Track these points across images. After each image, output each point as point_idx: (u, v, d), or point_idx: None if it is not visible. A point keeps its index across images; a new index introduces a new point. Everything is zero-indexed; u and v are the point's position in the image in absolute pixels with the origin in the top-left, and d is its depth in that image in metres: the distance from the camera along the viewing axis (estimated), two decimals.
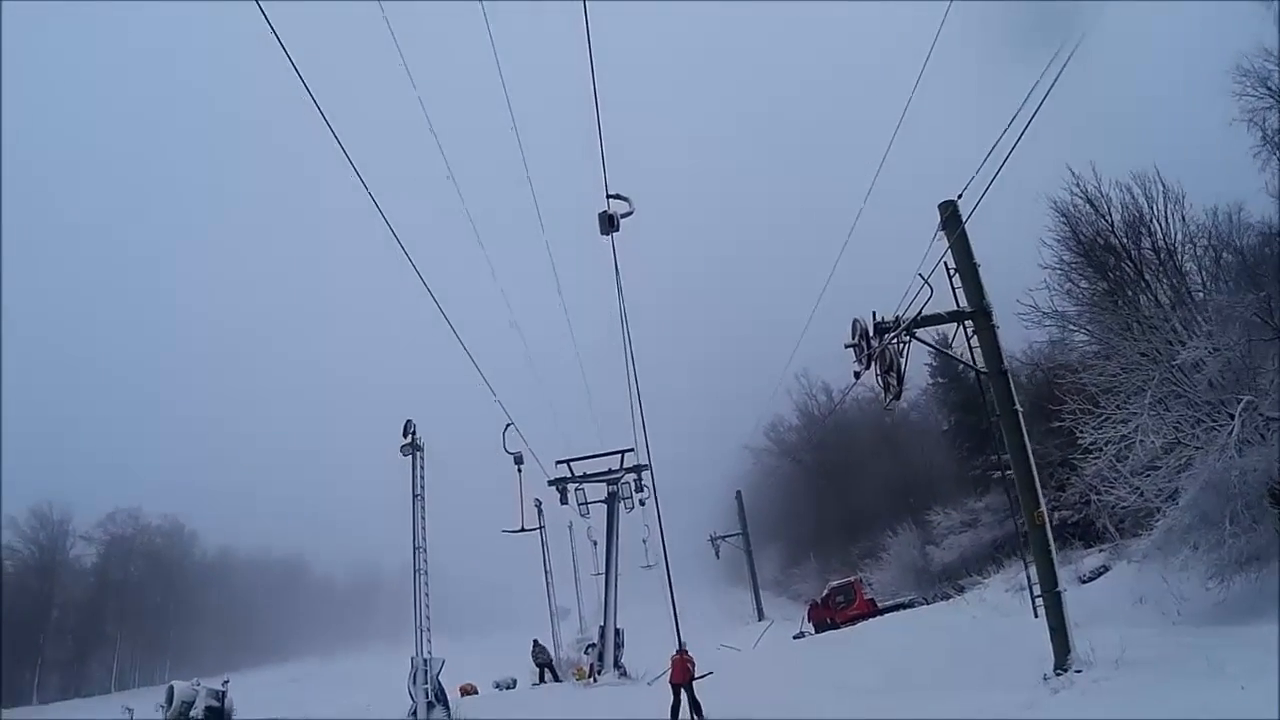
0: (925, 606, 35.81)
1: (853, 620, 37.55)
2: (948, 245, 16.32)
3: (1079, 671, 14.65)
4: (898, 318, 16.15)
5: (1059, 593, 15.48)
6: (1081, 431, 20.50)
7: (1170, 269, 21.85)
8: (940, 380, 44.91)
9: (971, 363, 16.66)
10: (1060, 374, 24.65)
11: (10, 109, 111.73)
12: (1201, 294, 21.19)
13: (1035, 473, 16.06)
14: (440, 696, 23.51)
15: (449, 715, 23.50)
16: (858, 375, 17.04)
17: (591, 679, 33.10)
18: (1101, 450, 19.95)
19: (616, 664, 34.18)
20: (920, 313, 15.84)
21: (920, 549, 43.68)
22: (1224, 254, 21.74)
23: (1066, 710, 13.33)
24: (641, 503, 36.58)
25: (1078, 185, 23.62)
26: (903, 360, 16.17)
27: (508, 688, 35.57)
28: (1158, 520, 19.69)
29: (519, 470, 30.09)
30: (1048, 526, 15.82)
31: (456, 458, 38.28)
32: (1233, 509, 16.74)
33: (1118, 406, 19.73)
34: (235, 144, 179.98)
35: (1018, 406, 16.13)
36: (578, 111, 13.53)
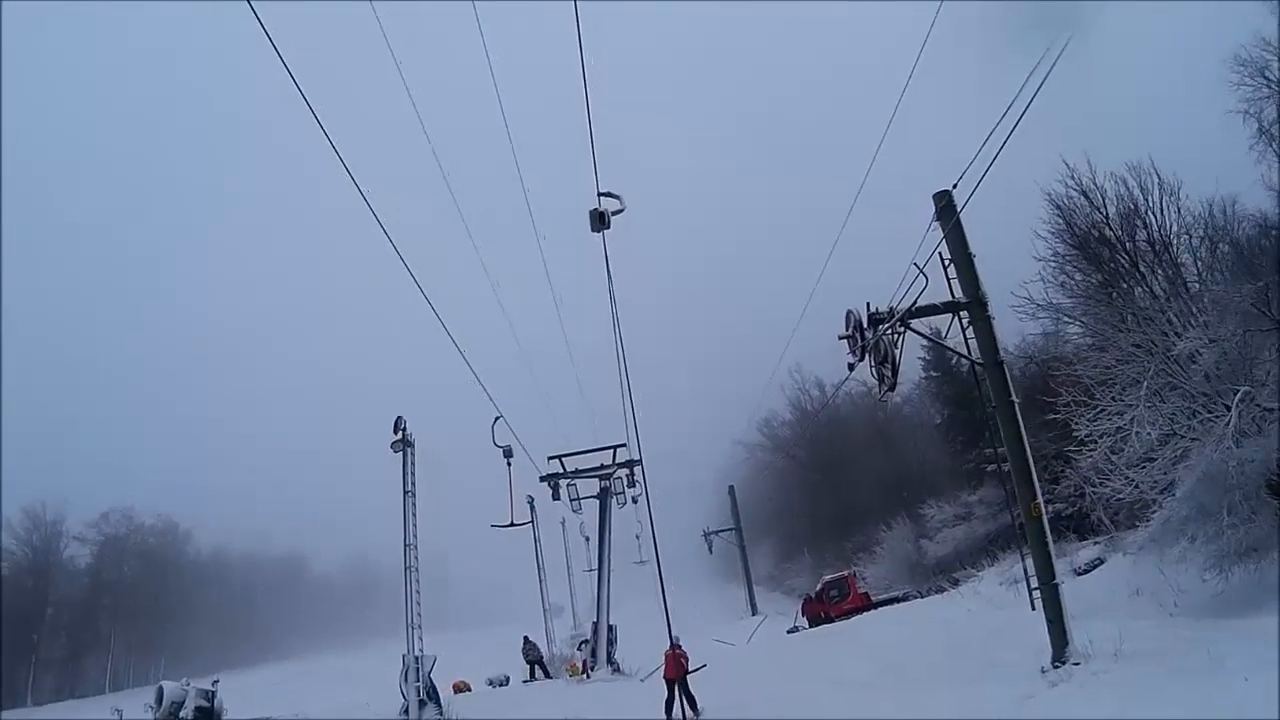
0: (920, 600, 35.83)
1: (847, 614, 37.52)
2: (942, 236, 16.17)
3: (1077, 664, 14.52)
4: (892, 309, 16.00)
5: (1056, 585, 15.37)
6: (1076, 424, 20.39)
7: (1166, 260, 21.74)
8: (933, 374, 44.94)
9: (967, 354, 16.52)
10: (1054, 367, 24.54)
11: (10, 109, 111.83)
12: (1197, 285, 21.07)
13: (1032, 464, 15.93)
14: (432, 694, 23.32)
15: (441, 713, 23.31)
16: (852, 367, 16.90)
17: (585, 675, 32.95)
18: (1096, 443, 19.84)
19: (610, 660, 34.07)
20: (915, 303, 15.69)
21: (914, 543, 43.68)
22: (1220, 245, 21.63)
23: (1065, 703, 13.18)
24: (634, 499, 36.45)
25: (1072, 177, 23.54)
26: (897, 351, 16.04)
27: (501, 684, 35.40)
28: (1153, 512, 19.61)
29: (508, 464, 29.89)
30: (1044, 518, 15.69)
31: (458, 457, 38.22)
32: (1230, 500, 16.60)
33: (1113, 398, 19.60)
34: (235, 144, 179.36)
35: (1014, 398, 15.99)
36: (577, 110, 13.42)
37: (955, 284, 16.42)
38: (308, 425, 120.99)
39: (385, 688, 26.92)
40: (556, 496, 37.19)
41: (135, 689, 65.26)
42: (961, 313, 16.43)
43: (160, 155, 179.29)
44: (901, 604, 36.50)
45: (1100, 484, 20.67)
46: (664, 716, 20.49)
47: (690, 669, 21.43)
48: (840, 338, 16.91)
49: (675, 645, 21.48)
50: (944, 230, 16.14)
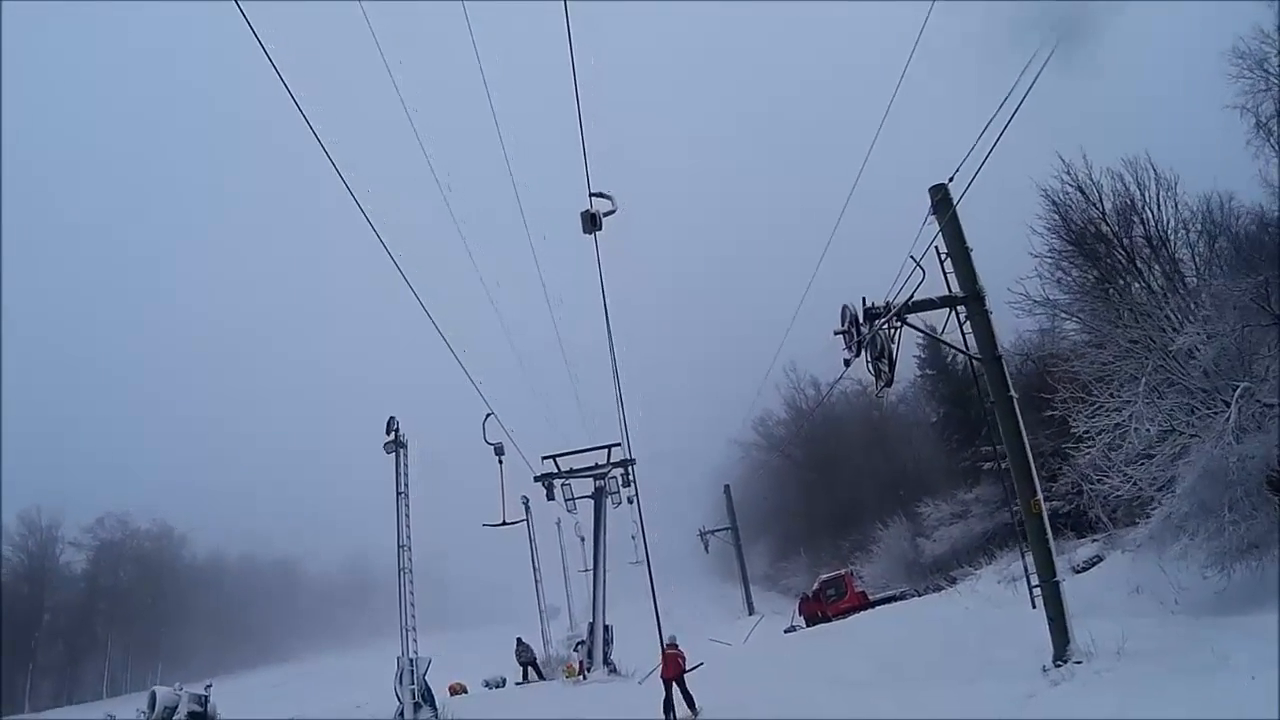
0: (917, 599, 35.68)
1: (844, 613, 37.42)
2: (939, 229, 16.02)
3: (1079, 663, 14.33)
4: (888, 303, 15.83)
5: (1057, 582, 15.21)
6: (1074, 420, 20.27)
7: (1163, 256, 21.64)
8: (929, 372, 44.88)
9: (965, 349, 16.37)
10: (1052, 363, 24.44)
11: (10, 109, 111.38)
12: (1195, 280, 20.96)
13: (1031, 460, 15.78)
14: (427, 696, 23.13)
15: (436, 715, 23.13)
16: (848, 363, 16.71)
17: (581, 676, 32.77)
18: (1094, 440, 19.72)
19: (606, 661, 33.91)
20: (912, 297, 15.54)
21: (911, 541, 43.54)
22: (1218, 239, 21.52)
23: (1068, 702, 12.99)
24: (630, 499, 36.30)
25: (1068, 173, 23.44)
26: (894, 346, 15.87)
27: (497, 686, 35.19)
28: (1153, 509, 19.47)
29: (500, 462, 29.72)
30: (1044, 515, 15.55)
31: (457, 457, 38.06)
32: (1232, 496, 16.49)
33: (1111, 395, 19.49)
34: (235, 144, 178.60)
35: (1012, 393, 15.85)
36: (576, 110, 13.30)
37: (952, 279, 16.28)
38: (307, 425, 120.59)
39: (383, 688, 26.76)
40: (551, 496, 37.05)
41: (133, 694, 64.91)
42: (959, 307, 16.28)
43: (160, 155, 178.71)
44: (899, 603, 36.36)
45: (1098, 481, 20.57)
46: (662, 716, 20.36)
47: (688, 668, 21.35)
48: (836, 333, 16.73)
49: (673, 644, 21.41)
50: (940, 224, 16.00)
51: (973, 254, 16.36)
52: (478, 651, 40.20)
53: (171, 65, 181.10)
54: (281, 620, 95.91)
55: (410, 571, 23.03)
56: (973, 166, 13.79)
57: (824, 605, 40.13)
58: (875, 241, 25.58)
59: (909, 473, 48.72)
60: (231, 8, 9.44)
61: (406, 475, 23.76)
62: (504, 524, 30.92)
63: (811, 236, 33.55)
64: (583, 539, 42.63)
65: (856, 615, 35.63)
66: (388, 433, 23.85)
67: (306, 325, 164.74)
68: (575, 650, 37.05)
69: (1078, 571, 24.38)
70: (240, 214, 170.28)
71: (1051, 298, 23.68)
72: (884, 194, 25.21)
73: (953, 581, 34.17)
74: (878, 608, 36.48)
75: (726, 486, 67.80)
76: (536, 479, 36.22)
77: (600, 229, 13.96)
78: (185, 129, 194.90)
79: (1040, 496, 15.80)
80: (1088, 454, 20.23)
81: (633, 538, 42.28)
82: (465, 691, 32.76)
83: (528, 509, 39.19)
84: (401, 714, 22.52)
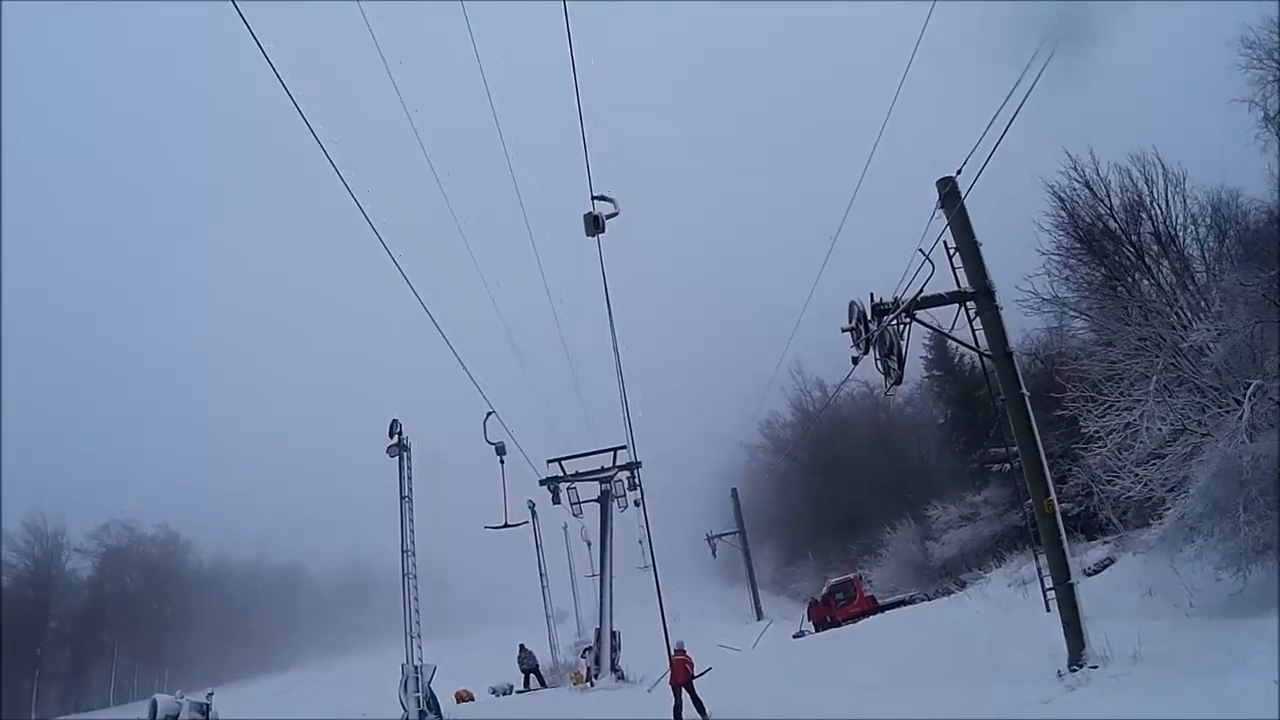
0: (927, 602, 35.38)
1: (854, 618, 37.15)
2: (946, 223, 15.79)
3: (1095, 667, 14.05)
4: (896, 299, 15.59)
5: (1072, 585, 14.95)
6: (1084, 420, 20.00)
7: (1172, 252, 21.38)
8: (936, 373, 44.55)
9: (974, 345, 16.12)
10: (1060, 362, 24.17)
11: (10, 109, 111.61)
12: (1204, 276, 20.69)
13: (1044, 459, 15.53)
14: (432, 704, 22.93)
15: None
16: (856, 360, 16.48)
17: (588, 683, 32.52)
18: (1104, 440, 19.45)
19: (614, 667, 33.66)
20: (920, 292, 15.30)
21: (919, 544, 43.22)
22: (1229, 232, 21.25)
23: (1084, 708, 12.72)
24: (636, 503, 36.04)
25: (1075, 168, 23.17)
26: (903, 343, 15.63)
27: (504, 693, 34.99)
28: (1166, 510, 19.17)
29: (501, 461, 29.42)
30: (1058, 515, 15.29)
31: (458, 457, 37.83)
32: (1246, 496, 16.20)
33: (1121, 394, 19.22)
34: (235, 144, 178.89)
35: (1024, 390, 15.60)
36: (578, 110, 13.18)
37: (960, 274, 16.04)
38: (307, 425, 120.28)
39: (386, 693, 26.60)
40: (557, 500, 36.82)
41: (139, 700, 64.77)
42: (968, 303, 16.04)
43: (160, 155, 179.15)
44: (908, 607, 36.06)
45: (1109, 482, 20.27)
46: None
47: (697, 673, 21.16)
48: (844, 330, 16.51)
49: (680, 650, 21.23)
50: (948, 218, 15.76)
51: (981, 248, 16.13)
52: (478, 653, 39.98)
53: (171, 65, 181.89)
54: (283, 623, 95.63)
55: (414, 577, 22.85)
56: (979, 160, 13.64)
57: (833, 610, 39.83)
58: (876, 242, 25.45)
59: (916, 475, 48.35)
60: (231, 8, 9.32)
61: (410, 479, 23.58)
62: (506, 526, 30.61)
63: (812, 236, 33.31)
64: (589, 543, 42.44)
65: (866, 620, 35.37)
66: (390, 436, 23.67)
67: (306, 325, 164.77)
68: (582, 657, 36.82)
69: (1089, 574, 24.06)
70: (240, 214, 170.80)
71: (1059, 295, 23.40)
72: (885, 194, 24.98)
73: (962, 585, 33.94)
74: (887, 612, 36.23)
75: (734, 490, 67.49)
76: (542, 483, 35.98)
77: (603, 231, 13.97)
78: (185, 129, 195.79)
79: (1053, 497, 15.55)
80: (1098, 455, 19.96)
81: (640, 542, 42.12)
82: (472, 699, 32.57)
83: (534, 513, 38.97)
84: None
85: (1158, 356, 18.75)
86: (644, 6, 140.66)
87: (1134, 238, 22.00)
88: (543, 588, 42.70)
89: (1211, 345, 18.03)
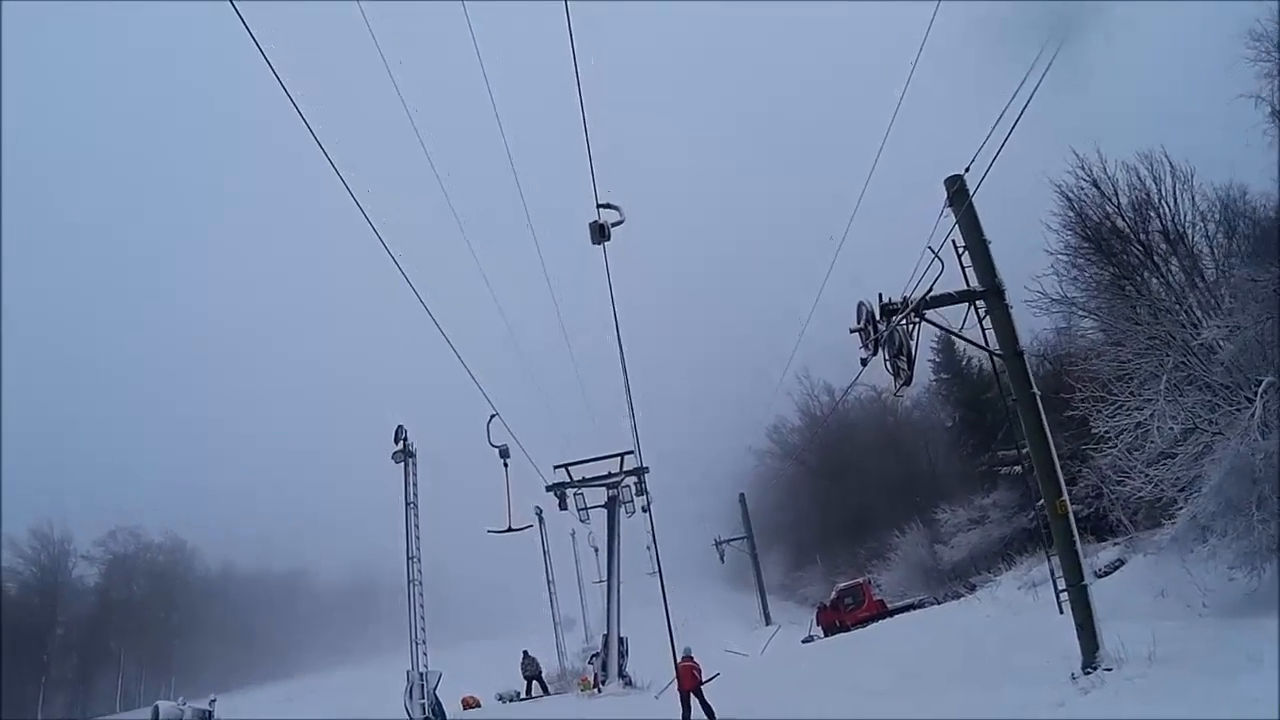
0: (936, 606, 35.18)
1: (863, 622, 37.00)
2: (955, 222, 15.64)
3: (1109, 670, 13.84)
4: (905, 298, 15.45)
5: (1085, 586, 14.75)
6: (1094, 420, 19.83)
7: (1181, 250, 21.21)
8: (943, 376, 44.42)
9: (985, 344, 15.97)
10: (1069, 362, 24.00)
11: (10, 109, 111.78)
12: (1214, 274, 20.51)
13: (1056, 459, 15.35)
14: (437, 711, 22.78)
15: None
16: (865, 361, 16.32)
17: (596, 689, 32.35)
18: (1115, 440, 19.27)
19: (621, 673, 33.47)
20: (929, 291, 15.14)
21: (928, 548, 42.99)
22: (1239, 226, 21.07)
23: (1099, 711, 12.54)
24: (644, 509, 35.87)
25: (1083, 168, 23.02)
26: (913, 343, 15.47)
27: (511, 700, 34.81)
28: (1177, 509, 18.99)
29: (505, 464, 29.23)
30: (1070, 516, 15.11)
31: (461, 458, 37.67)
32: (1260, 494, 16.01)
33: (1131, 393, 19.05)
34: (235, 144, 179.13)
35: (1035, 390, 15.43)
36: (578, 112, 13.10)
37: (970, 273, 15.90)
38: (308, 426, 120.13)
39: (390, 698, 26.48)
40: (564, 506, 36.67)
41: (146, 707, 64.85)
42: (978, 302, 15.89)
43: (160, 155, 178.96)
44: (918, 611, 35.86)
45: (1119, 483, 20.10)
46: None
47: (704, 679, 21.02)
48: (852, 331, 16.37)
49: (688, 657, 21.10)
50: (957, 216, 15.61)
51: (990, 247, 15.99)
52: (479, 658, 39.78)
53: (171, 65, 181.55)
54: (286, 628, 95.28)
55: (420, 583, 22.74)
56: (985, 159, 13.54)
57: (842, 614, 39.66)
58: (879, 244, 25.32)
59: (924, 478, 48.18)
60: (231, 8, 9.26)
61: (415, 485, 23.46)
62: (509, 530, 30.42)
63: (814, 237, 33.18)
64: (596, 549, 42.26)
65: (875, 624, 35.17)
66: (396, 442, 23.55)
67: (307, 325, 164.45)
68: (590, 663, 36.65)
69: (1100, 575, 23.84)
70: (240, 214, 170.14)
71: (1068, 296, 23.22)
72: (885, 195, 24.85)
73: (972, 588, 33.74)
74: (896, 616, 36.04)
75: (742, 495, 67.22)
76: (548, 488, 35.84)
77: (609, 239, 13.96)
78: (185, 129, 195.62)
79: (1066, 497, 15.38)
80: (1108, 455, 19.78)
81: (647, 548, 41.95)
82: (479, 705, 32.41)
83: (541, 520, 38.81)
84: None
85: (1168, 355, 18.58)
86: (644, 6, 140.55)
87: (1142, 236, 21.83)
88: (551, 595, 42.51)
89: (1222, 343, 17.86)
